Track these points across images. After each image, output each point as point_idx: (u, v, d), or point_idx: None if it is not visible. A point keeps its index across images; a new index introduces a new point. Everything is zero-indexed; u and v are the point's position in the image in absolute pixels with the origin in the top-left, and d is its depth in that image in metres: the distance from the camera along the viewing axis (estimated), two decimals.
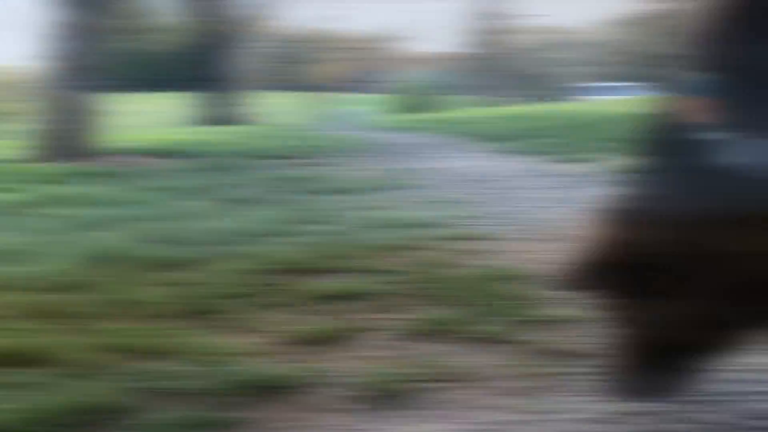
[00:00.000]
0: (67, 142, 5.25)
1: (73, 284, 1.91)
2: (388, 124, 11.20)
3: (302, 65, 35.72)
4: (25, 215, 3.03)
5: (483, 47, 27.90)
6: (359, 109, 28.74)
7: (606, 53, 44.58)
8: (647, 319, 0.99)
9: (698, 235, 0.92)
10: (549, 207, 3.00)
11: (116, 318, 1.63)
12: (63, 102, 5.24)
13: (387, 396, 1.24)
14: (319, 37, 35.62)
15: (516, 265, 2.05)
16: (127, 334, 1.51)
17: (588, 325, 1.53)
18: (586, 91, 26.52)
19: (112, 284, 1.84)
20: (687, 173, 0.97)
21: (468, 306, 1.69)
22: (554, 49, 53.39)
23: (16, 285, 1.87)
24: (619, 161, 4.05)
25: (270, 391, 1.28)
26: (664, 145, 1.04)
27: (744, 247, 0.90)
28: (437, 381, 1.30)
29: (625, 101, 11.86)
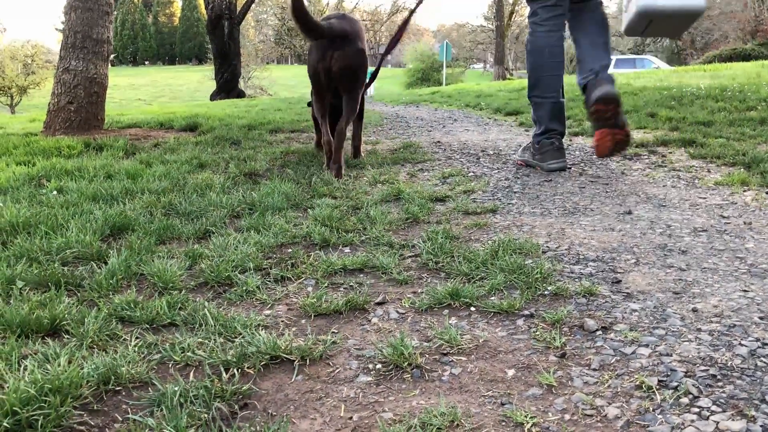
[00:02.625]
0: (81, 115, 5.25)
1: (88, 255, 1.93)
2: (399, 98, 11.13)
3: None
4: (41, 187, 3.03)
5: (495, 18, 27.57)
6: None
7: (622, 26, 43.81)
8: None
9: None
10: (565, 182, 2.97)
11: (131, 290, 1.64)
12: (76, 75, 5.22)
13: (401, 368, 1.25)
14: (329, 7, 35.34)
15: (533, 239, 2.04)
16: (142, 306, 1.51)
17: (605, 298, 1.52)
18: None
19: (127, 256, 1.84)
20: None
21: (483, 279, 1.68)
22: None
23: (32, 256, 1.88)
24: (634, 135, 4.04)
25: (285, 363, 1.28)
26: None
27: None
28: (451, 354, 1.30)
29: (639, 74, 11.74)
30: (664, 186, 2.81)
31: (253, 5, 18.40)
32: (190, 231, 2.20)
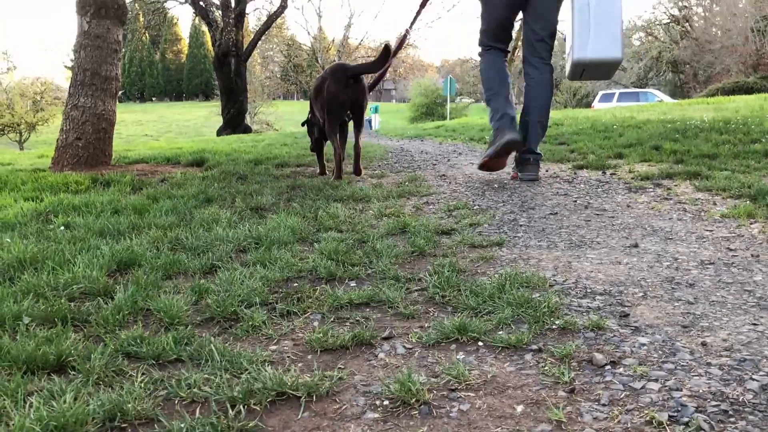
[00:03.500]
0: (89, 151, 5.31)
1: (95, 291, 1.93)
2: (404, 132, 11.20)
3: (318, 71, 35.82)
4: (48, 223, 3.05)
5: None
6: (376, 117, 28.96)
7: (625, 60, 44.13)
8: None
9: None
10: (570, 215, 2.97)
11: (138, 325, 1.64)
12: (84, 111, 5.29)
13: (409, 405, 1.23)
14: (334, 45, 35.84)
15: (539, 272, 2.03)
16: (148, 342, 1.51)
17: (613, 332, 1.51)
18: (604, 97, 26.45)
19: (133, 291, 1.84)
20: None
21: (490, 313, 1.67)
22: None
23: (39, 292, 1.88)
24: (639, 168, 4.05)
25: (291, 399, 1.27)
26: None
27: None
28: (460, 390, 1.29)
29: (642, 107, 11.81)
30: (670, 219, 2.80)
31: (260, 42, 18.68)
32: (197, 265, 2.21)
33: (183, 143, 11.47)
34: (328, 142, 4.56)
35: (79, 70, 5.38)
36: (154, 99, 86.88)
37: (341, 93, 4.17)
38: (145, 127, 49.21)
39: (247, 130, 17.00)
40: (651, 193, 3.43)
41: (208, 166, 5.37)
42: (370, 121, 31.20)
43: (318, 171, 4.88)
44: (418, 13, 4.46)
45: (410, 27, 4.52)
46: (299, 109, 62.01)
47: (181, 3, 16.46)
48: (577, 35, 3.72)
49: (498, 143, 3.83)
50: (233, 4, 15.76)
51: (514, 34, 4.37)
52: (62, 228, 2.88)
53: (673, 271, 2.01)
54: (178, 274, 2.17)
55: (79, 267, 2.10)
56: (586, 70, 3.86)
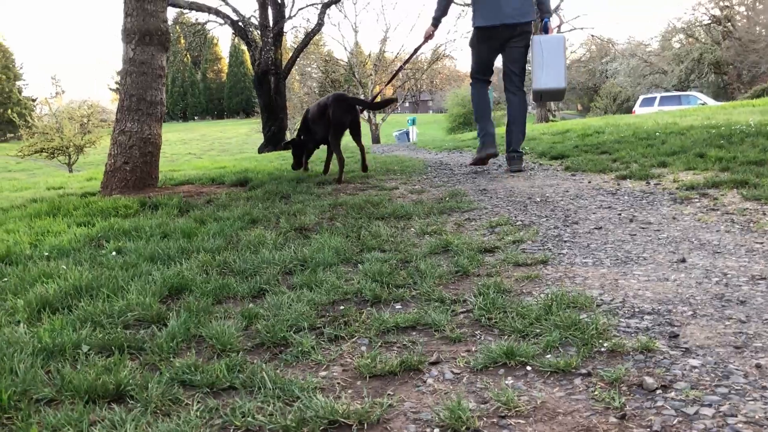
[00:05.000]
0: (136, 174, 5.45)
1: (148, 318, 1.99)
2: (442, 144, 11.18)
3: (356, 86, 36.23)
4: (101, 248, 3.15)
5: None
6: (413, 129, 29.04)
7: (664, 62, 43.50)
8: None
9: None
10: (615, 229, 2.94)
11: (191, 352, 1.69)
12: (131, 136, 5.45)
13: None
14: (370, 59, 36.11)
15: (586, 291, 2.02)
16: (202, 370, 1.55)
17: (663, 354, 1.50)
18: (645, 101, 26.02)
19: (186, 318, 1.89)
20: None
21: (537, 336, 1.67)
22: (610, 59, 52.40)
23: (96, 320, 1.95)
24: (684, 176, 3.98)
25: (343, 427, 1.30)
26: None
27: None
28: (510, 416, 1.30)
29: (685, 111, 11.59)
30: (717, 231, 2.76)
31: (298, 59, 18.94)
32: (245, 290, 2.26)
33: (226, 161, 11.67)
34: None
35: (126, 95, 5.54)
36: (196, 118, 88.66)
37: (344, 117, 5.41)
38: (188, 146, 50.21)
39: (287, 146, 17.20)
40: (697, 204, 3.37)
41: (251, 186, 5.46)
42: (407, 133, 31.27)
43: (303, 169, 6.36)
44: (415, 51, 6.26)
45: (404, 64, 6.58)
46: None
47: (220, 24, 16.79)
48: (536, 73, 5.33)
49: (483, 152, 5.61)
50: (271, 24, 16.02)
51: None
52: (114, 253, 2.98)
53: (722, 288, 1.98)
54: (227, 298, 2.22)
55: (133, 294, 2.17)
56: (543, 96, 5.52)
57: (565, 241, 2.75)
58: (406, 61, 6.48)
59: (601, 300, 1.93)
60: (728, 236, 2.65)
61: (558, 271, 2.30)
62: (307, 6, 17.70)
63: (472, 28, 5.44)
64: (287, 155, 11.89)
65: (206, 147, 50.64)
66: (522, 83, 5.56)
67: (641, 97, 27.41)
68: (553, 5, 27.45)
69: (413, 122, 29.77)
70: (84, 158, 37.26)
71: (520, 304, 1.90)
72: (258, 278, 2.38)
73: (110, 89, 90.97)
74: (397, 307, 2.02)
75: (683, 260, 2.32)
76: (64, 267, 2.72)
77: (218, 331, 1.77)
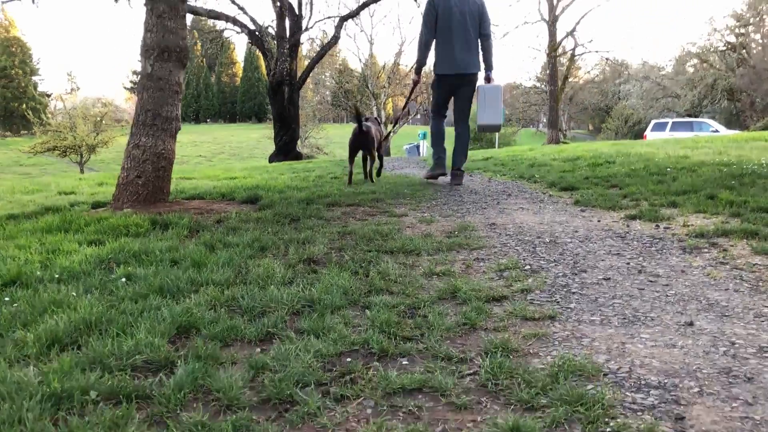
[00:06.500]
0: (148, 189, 5.49)
1: (157, 361, 2.00)
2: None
3: (368, 98, 36.33)
4: (110, 271, 3.18)
5: (549, 83, 27.69)
6: (423, 143, 29.09)
7: (677, 86, 43.49)
8: None
9: None
10: (624, 280, 2.94)
11: (198, 404, 1.70)
12: (145, 151, 5.49)
13: None
14: (384, 71, 36.23)
15: (593, 356, 2.02)
16: (209, 428, 1.56)
17: None
18: (657, 126, 25.99)
19: (194, 368, 1.90)
20: None
21: (544, 409, 1.67)
22: (623, 81, 52.40)
23: (104, 362, 1.96)
24: (693, 220, 3.98)
25: None
26: None
27: None
28: None
29: (697, 142, 11.56)
30: (726, 289, 2.75)
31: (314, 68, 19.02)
32: (253, 332, 2.27)
33: (237, 170, 11.73)
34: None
35: (142, 110, 5.58)
36: (208, 120, 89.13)
37: (355, 140, 7.25)
38: (199, 148, 50.47)
39: (298, 156, 17.27)
40: (706, 255, 3.37)
41: (261, 206, 5.49)
42: (418, 147, 31.32)
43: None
44: (408, 100, 8.43)
45: (404, 110, 8.61)
46: (348, 132, 62.51)
47: (237, 33, 16.90)
48: (478, 112, 7.16)
49: (436, 171, 7.38)
50: (288, 35, 16.13)
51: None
52: (123, 280, 3.00)
53: (730, 360, 1.98)
54: (235, 341, 2.23)
55: (142, 333, 2.19)
56: (484, 129, 7.34)
57: (573, 293, 2.75)
58: (405, 107, 8.60)
59: (608, 368, 1.93)
60: (737, 296, 2.65)
61: (566, 329, 2.30)
62: (324, 19, 17.84)
63: (434, 75, 7.17)
64: (298, 167, 11.95)
65: (216, 150, 50.91)
66: (467, 118, 7.25)
67: (653, 122, 27.43)
68: (568, 29, 27.61)
69: (424, 136, 29.84)
70: (95, 156, 37.49)
71: (527, 368, 1.91)
72: (266, 320, 2.39)
73: (125, 88, 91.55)
74: (403, 362, 2.02)
75: (691, 323, 2.32)
76: (74, 294, 2.75)
77: (225, 384, 1.78)
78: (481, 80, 7.19)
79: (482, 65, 7.07)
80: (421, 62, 7.28)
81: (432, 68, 7.24)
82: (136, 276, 3.05)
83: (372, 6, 22.01)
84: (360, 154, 7.53)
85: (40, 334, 2.19)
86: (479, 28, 6.94)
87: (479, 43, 7.00)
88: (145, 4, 5.62)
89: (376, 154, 7.63)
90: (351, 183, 7.22)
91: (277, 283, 2.89)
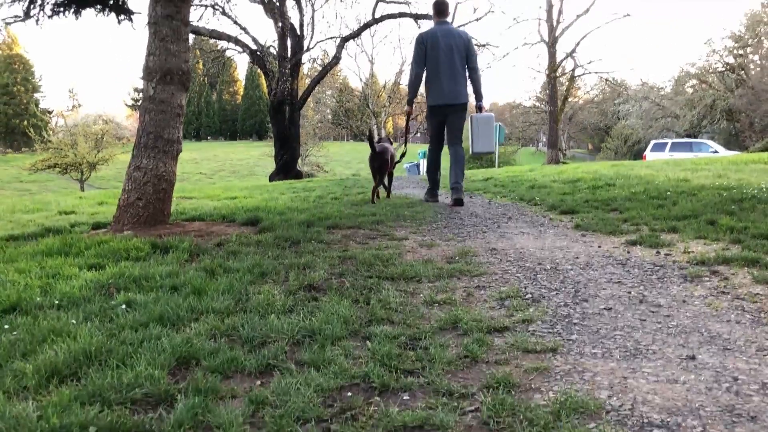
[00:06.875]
0: (148, 211, 5.50)
1: (156, 394, 1.99)
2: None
3: (368, 117, 36.47)
4: (110, 297, 3.17)
5: (549, 103, 27.81)
6: (423, 162, 29.16)
7: (677, 106, 43.68)
8: None
9: None
10: (625, 311, 2.94)
11: None
12: (146, 173, 5.50)
13: None
14: (385, 90, 36.42)
15: (595, 391, 2.01)
16: None
17: None
18: (657, 146, 26.08)
19: (194, 403, 1.89)
20: None
21: None
22: (622, 101, 52.62)
23: (104, 395, 1.95)
24: (694, 246, 3.97)
25: None
26: None
27: None
28: None
29: (697, 164, 11.58)
30: (728, 321, 2.75)
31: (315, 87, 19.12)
32: (253, 364, 2.26)
33: (237, 189, 11.75)
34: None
35: (143, 132, 5.60)
36: (209, 138, 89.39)
37: (373, 161, 7.92)
38: (199, 166, 50.60)
39: (298, 175, 17.31)
40: (707, 284, 3.36)
41: (262, 228, 5.49)
42: (418, 166, 31.36)
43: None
44: (407, 131, 8.76)
45: (406, 142, 8.65)
46: (348, 150, 63.11)
47: (239, 53, 17.01)
48: (472, 141, 7.84)
49: (431, 197, 8.02)
50: (290, 55, 16.22)
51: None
52: (123, 307, 2.99)
53: (732, 397, 1.97)
54: (235, 373, 2.22)
55: (142, 365, 2.18)
56: (481, 155, 9.05)
57: (575, 324, 2.74)
58: (406, 130, 8.72)
59: (610, 405, 1.92)
60: (738, 328, 2.64)
61: (567, 362, 2.29)
62: (326, 39, 17.93)
63: (427, 106, 7.73)
64: (298, 186, 11.98)
65: (217, 167, 51.04)
66: (459, 140, 7.65)
67: (653, 142, 27.53)
68: (568, 50, 27.81)
69: (423, 155, 29.94)
70: (95, 172, 37.56)
71: (528, 405, 1.90)
72: (266, 351, 2.38)
73: (126, 105, 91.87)
74: (405, 397, 2.01)
75: (693, 357, 2.31)
76: (74, 321, 2.74)
77: (225, 421, 1.77)
78: (473, 110, 7.84)
79: (472, 96, 7.76)
80: (412, 95, 7.88)
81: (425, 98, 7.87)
82: (136, 303, 3.05)
83: (373, 26, 22.14)
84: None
85: (39, 366, 2.18)
86: (467, 61, 7.47)
87: (467, 75, 7.55)
88: (149, 28, 5.67)
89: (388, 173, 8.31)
90: (374, 197, 8.00)
91: (278, 312, 2.89)
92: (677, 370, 2.20)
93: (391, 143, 8.56)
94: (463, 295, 3.28)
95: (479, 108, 7.68)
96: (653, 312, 2.90)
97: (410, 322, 2.76)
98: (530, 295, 3.22)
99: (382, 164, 7.84)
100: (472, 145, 7.77)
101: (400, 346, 2.45)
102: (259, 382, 2.15)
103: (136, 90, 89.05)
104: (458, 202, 7.31)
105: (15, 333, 2.62)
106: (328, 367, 2.21)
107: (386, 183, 8.47)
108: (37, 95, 68.48)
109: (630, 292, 3.24)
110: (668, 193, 7.11)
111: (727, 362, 2.27)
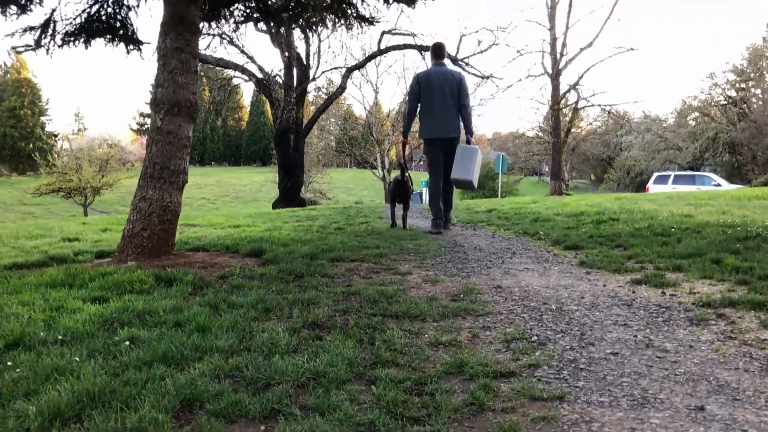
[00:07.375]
0: (153, 241, 5.50)
1: None
2: (457, 213, 11.22)
3: (372, 145, 36.65)
4: (113, 333, 3.16)
5: (552, 134, 27.95)
6: (425, 191, 29.24)
7: (679, 138, 43.86)
8: None
9: None
10: (632, 356, 2.92)
11: None
12: (152, 203, 5.51)
13: None
14: (388, 119, 36.66)
15: None
16: None
17: None
18: (659, 179, 26.14)
19: None
20: None
21: None
22: (626, 133, 52.90)
23: None
24: (700, 287, 3.95)
25: None
26: None
27: None
28: None
29: (700, 198, 11.58)
30: (736, 369, 2.72)
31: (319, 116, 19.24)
32: (257, 408, 2.24)
33: (241, 217, 11.76)
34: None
35: (150, 163, 5.63)
36: (213, 163, 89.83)
37: (394, 191, 8.80)
38: (203, 191, 50.77)
39: (301, 203, 17.35)
40: (714, 328, 3.34)
41: (265, 260, 5.49)
42: (420, 194, 31.43)
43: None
44: (405, 159, 9.01)
45: (406, 168, 8.85)
46: (351, 177, 63.36)
47: (245, 81, 17.17)
48: (453, 167, 8.05)
49: (434, 228, 8.23)
50: (295, 84, 16.37)
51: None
52: (127, 343, 2.98)
53: None
54: (239, 417, 2.21)
55: (146, 407, 2.16)
56: (458, 184, 8.21)
57: (581, 369, 2.72)
58: (404, 168, 8.91)
59: None
60: (747, 377, 2.62)
61: (574, 411, 2.27)
62: (331, 69, 18.10)
63: (423, 140, 8.46)
64: (301, 214, 12.00)
65: (220, 193, 51.22)
66: (448, 173, 8.19)
67: (655, 174, 27.62)
68: (571, 81, 28.03)
69: (425, 184, 30.06)
70: (99, 197, 37.68)
71: None
72: (270, 394, 2.36)
73: (131, 130, 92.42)
74: None
75: (702, 408, 2.28)
76: (77, 359, 2.73)
77: None
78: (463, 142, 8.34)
79: (463, 131, 8.34)
80: (406, 128, 8.60)
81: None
82: (140, 339, 3.03)
83: (378, 57, 22.37)
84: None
85: (42, 407, 2.17)
86: (458, 99, 8.09)
87: (458, 112, 8.19)
88: (158, 60, 5.73)
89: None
90: (394, 225, 8.93)
91: (282, 352, 2.87)
92: (686, 422, 2.17)
93: (409, 175, 8.97)
94: (469, 336, 3.26)
95: (468, 141, 8.22)
96: (660, 357, 2.88)
97: (415, 365, 2.74)
98: (536, 338, 3.20)
99: (400, 194, 8.68)
100: (452, 172, 8.08)
101: (406, 391, 2.43)
102: (263, 427, 2.13)
103: (141, 114, 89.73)
104: (449, 225, 8.61)
105: (18, 370, 2.60)
106: (333, 413, 2.19)
107: (403, 212, 8.86)
108: (43, 118, 69.01)
109: (636, 336, 3.22)
110: (672, 229, 7.10)
111: (737, 414, 2.24)
